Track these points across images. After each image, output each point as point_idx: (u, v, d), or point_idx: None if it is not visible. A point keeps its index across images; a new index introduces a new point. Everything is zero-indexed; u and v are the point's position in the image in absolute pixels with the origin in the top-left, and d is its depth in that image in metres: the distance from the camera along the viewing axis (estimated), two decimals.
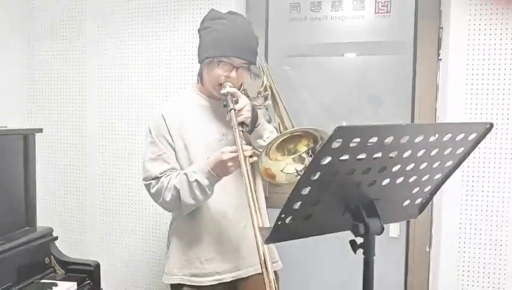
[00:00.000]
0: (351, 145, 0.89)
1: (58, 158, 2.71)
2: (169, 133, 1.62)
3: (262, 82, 1.75)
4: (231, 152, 1.47)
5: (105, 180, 2.64)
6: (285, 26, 2.45)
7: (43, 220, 2.19)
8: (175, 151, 1.64)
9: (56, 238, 2.10)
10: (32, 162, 2.06)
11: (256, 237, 1.32)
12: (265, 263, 1.30)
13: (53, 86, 2.69)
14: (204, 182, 1.51)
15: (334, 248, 2.22)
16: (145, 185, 1.66)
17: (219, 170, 1.50)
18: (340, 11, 2.38)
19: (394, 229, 2.33)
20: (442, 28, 2.20)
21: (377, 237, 1.04)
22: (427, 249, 2.29)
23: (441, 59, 2.21)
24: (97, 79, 2.61)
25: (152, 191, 1.63)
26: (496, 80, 2.07)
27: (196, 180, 1.52)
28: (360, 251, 1.05)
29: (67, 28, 2.64)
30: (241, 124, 1.54)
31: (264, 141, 1.63)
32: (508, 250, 2.09)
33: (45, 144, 2.67)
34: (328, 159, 0.90)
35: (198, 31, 1.67)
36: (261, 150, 1.59)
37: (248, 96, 1.69)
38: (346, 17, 2.37)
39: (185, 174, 1.56)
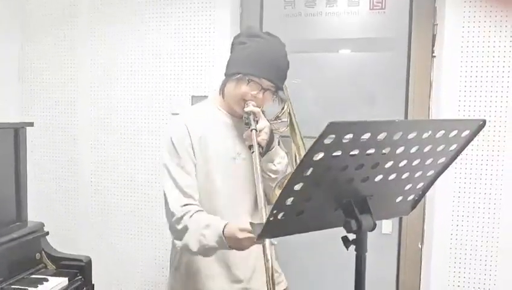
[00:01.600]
0: (344, 141, 0.88)
1: (50, 152, 2.69)
2: (192, 146, 1.58)
3: (283, 107, 1.73)
4: (249, 232, 1.40)
5: (97, 175, 2.62)
6: (279, 22, 2.44)
7: (34, 215, 2.17)
8: (195, 166, 1.58)
9: (47, 233, 2.08)
10: (23, 156, 2.04)
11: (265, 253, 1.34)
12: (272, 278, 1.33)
13: (45, 80, 2.67)
14: (213, 244, 1.46)
15: (326, 244, 2.22)
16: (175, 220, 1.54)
17: (232, 243, 1.44)
18: (334, 7, 2.38)
19: (386, 226, 2.34)
20: (436, 24, 2.20)
21: (369, 234, 1.04)
22: (419, 246, 2.30)
23: (435, 56, 2.21)
24: (89, 73, 2.59)
25: (179, 227, 1.52)
26: (489, 77, 2.08)
27: (203, 235, 1.46)
28: (352, 247, 1.05)
29: (60, 21, 2.62)
30: (257, 145, 1.51)
31: (274, 165, 1.61)
32: (500, 247, 2.11)
33: (37, 138, 2.65)
34: (320, 155, 0.89)
35: (232, 44, 1.65)
36: (269, 173, 1.59)
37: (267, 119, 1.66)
38: (340, 13, 2.37)
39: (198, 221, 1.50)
